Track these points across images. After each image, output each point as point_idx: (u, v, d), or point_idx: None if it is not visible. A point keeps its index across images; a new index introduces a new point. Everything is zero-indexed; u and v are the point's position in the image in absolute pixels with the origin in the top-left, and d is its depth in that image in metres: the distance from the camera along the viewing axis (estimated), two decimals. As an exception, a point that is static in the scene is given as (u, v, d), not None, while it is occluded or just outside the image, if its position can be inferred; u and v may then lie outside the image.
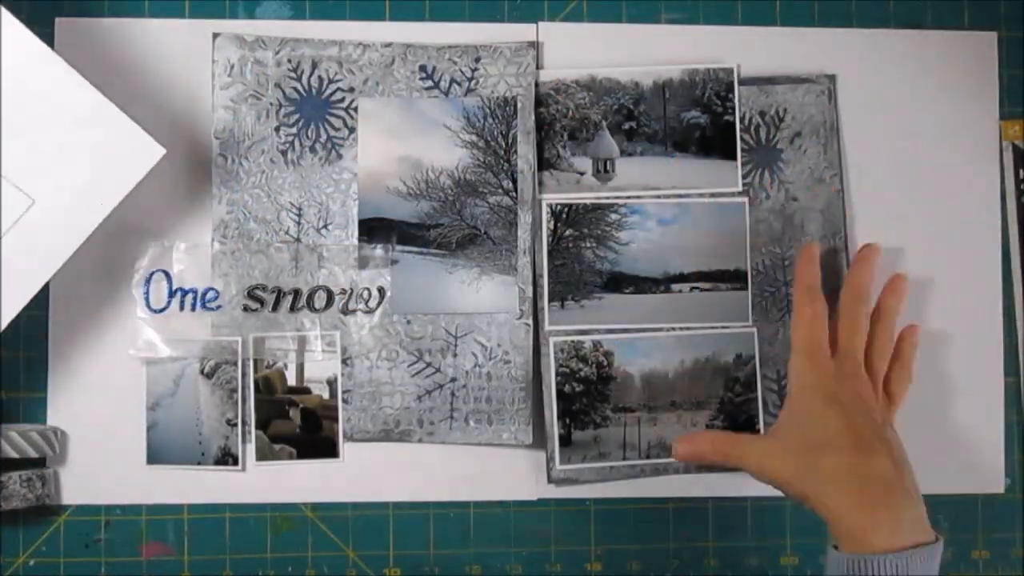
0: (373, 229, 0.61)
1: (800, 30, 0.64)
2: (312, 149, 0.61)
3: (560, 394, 0.61)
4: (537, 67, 0.62)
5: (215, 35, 0.60)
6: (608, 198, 0.62)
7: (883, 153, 0.64)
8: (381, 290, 0.60)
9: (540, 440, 0.61)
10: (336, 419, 0.60)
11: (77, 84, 0.50)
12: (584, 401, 0.61)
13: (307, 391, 0.60)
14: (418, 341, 0.61)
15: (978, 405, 0.64)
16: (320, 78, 0.61)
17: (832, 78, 0.63)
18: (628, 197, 0.62)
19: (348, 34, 0.61)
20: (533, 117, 0.61)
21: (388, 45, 0.61)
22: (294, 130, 0.61)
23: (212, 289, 0.60)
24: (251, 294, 0.60)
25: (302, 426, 0.60)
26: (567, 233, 0.62)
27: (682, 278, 0.62)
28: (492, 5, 0.63)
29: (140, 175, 0.52)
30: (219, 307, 0.60)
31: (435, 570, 0.61)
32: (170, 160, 0.60)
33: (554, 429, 0.61)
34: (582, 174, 0.62)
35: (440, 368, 0.61)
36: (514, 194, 0.61)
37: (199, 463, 0.60)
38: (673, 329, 0.62)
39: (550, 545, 0.62)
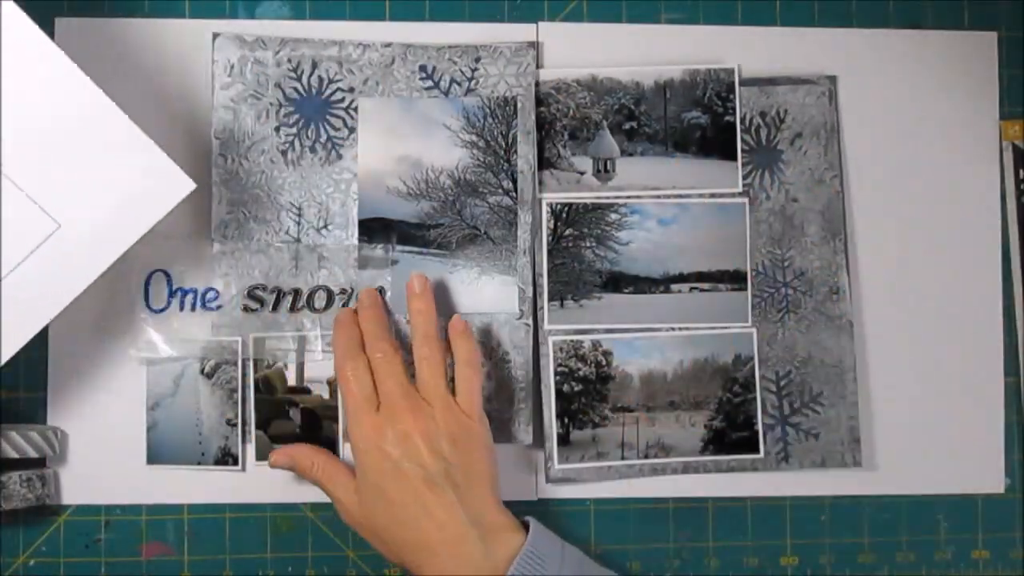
0: (373, 229, 0.61)
1: (800, 30, 0.64)
2: (312, 149, 0.61)
3: (559, 393, 0.61)
4: (537, 67, 0.62)
5: (215, 35, 0.60)
6: (608, 198, 0.62)
7: (883, 153, 0.64)
8: (381, 290, 0.60)
9: (540, 440, 0.61)
10: (336, 419, 0.60)
11: (112, 113, 0.50)
12: (583, 401, 0.61)
13: (307, 391, 0.60)
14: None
15: (978, 405, 0.64)
16: (320, 78, 0.61)
17: (833, 79, 0.63)
18: (628, 197, 0.62)
19: (348, 34, 0.61)
20: (533, 117, 0.61)
21: (388, 45, 0.61)
22: (294, 130, 0.61)
23: (212, 289, 0.60)
24: (251, 294, 0.60)
25: (302, 426, 0.60)
26: (567, 233, 0.62)
27: (682, 278, 0.62)
28: (492, 5, 0.63)
29: (168, 208, 0.51)
30: (219, 307, 0.60)
31: (435, 570, 0.61)
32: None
33: (552, 428, 0.61)
34: (582, 174, 0.62)
35: (440, 368, 0.61)
36: (514, 194, 0.61)
37: (199, 463, 0.60)
38: (672, 329, 0.62)
39: (550, 545, 0.62)
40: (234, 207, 0.60)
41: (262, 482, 0.60)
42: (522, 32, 0.62)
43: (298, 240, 0.60)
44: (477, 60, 0.61)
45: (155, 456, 0.60)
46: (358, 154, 0.61)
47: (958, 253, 0.64)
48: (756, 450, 0.62)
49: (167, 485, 0.60)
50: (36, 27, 0.49)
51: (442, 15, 0.62)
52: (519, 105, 0.61)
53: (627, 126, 0.62)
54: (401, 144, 0.61)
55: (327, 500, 0.60)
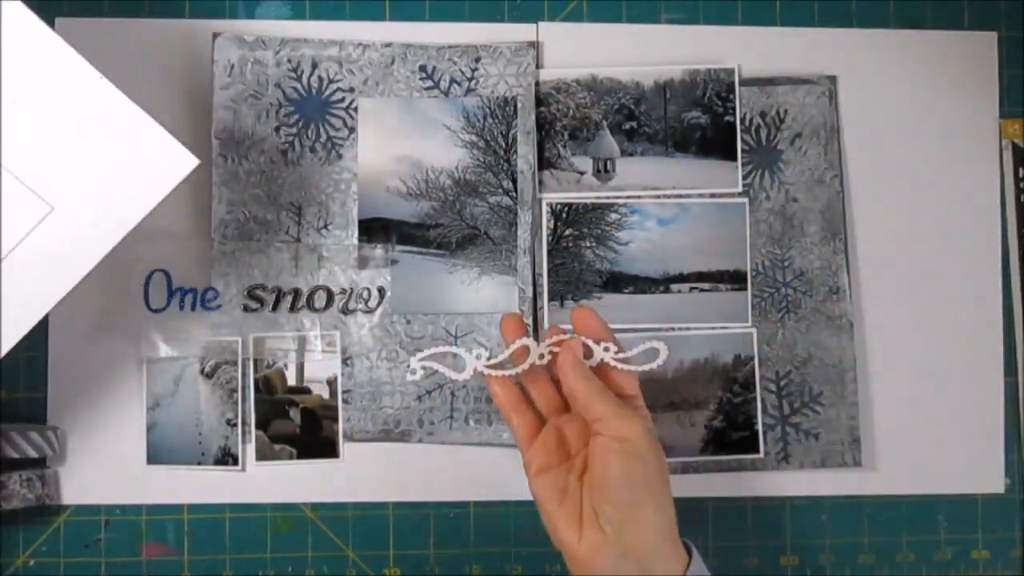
0: (373, 229, 0.61)
1: (800, 30, 0.64)
2: (312, 149, 0.61)
3: (560, 394, 0.61)
4: (537, 67, 0.62)
5: (215, 35, 0.60)
6: (608, 198, 0.62)
7: (883, 153, 0.64)
8: (381, 290, 0.60)
9: (540, 440, 0.61)
10: (336, 419, 0.60)
11: (110, 92, 0.49)
12: (584, 401, 0.61)
13: (307, 391, 0.60)
14: (418, 341, 0.61)
15: (978, 405, 0.64)
16: (320, 78, 0.61)
17: (833, 79, 0.63)
18: (628, 197, 0.62)
19: (348, 34, 0.61)
20: (533, 117, 0.61)
21: (388, 45, 0.61)
22: (294, 130, 0.61)
23: (212, 289, 0.60)
24: (251, 294, 0.60)
25: (302, 426, 0.60)
26: (567, 233, 0.62)
27: (682, 278, 0.62)
28: (492, 5, 0.63)
29: (171, 185, 0.50)
30: (219, 307, 0.60)
31: (435, 570, 0.61)
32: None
33: (554, 429, 0.61)
34: (582, 174, 0.62)
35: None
36: (514, 194, 0.61)
37: (199, 463, 0.60)
38: (672, 329, 0.62)
39: (550, 545, 0.62)
40: (234, 207, 0.60)
41: (262, 482, 0.60)
42: (522, 32, 0.62)
43: (298, 240, 0.60)
44: (477, 60, 0.61)
45: (155, 456, 0.60)
46: (358, 154, 0.61)
47: (958, 253, 0.64)
48: (756, 450, 0.62)
49: (167, 485, 0.60)
50: (28, 10, 0.48)
51: (442, 15, 0.62)
52: (519, 105, 0.61)
53: (627, 126, 0.62)
54: (401, 144, 0.61)
55: (327, 500, 0.61)
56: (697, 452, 0.62)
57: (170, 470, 0.60)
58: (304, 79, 0.61)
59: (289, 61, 0.60)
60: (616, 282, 0.62)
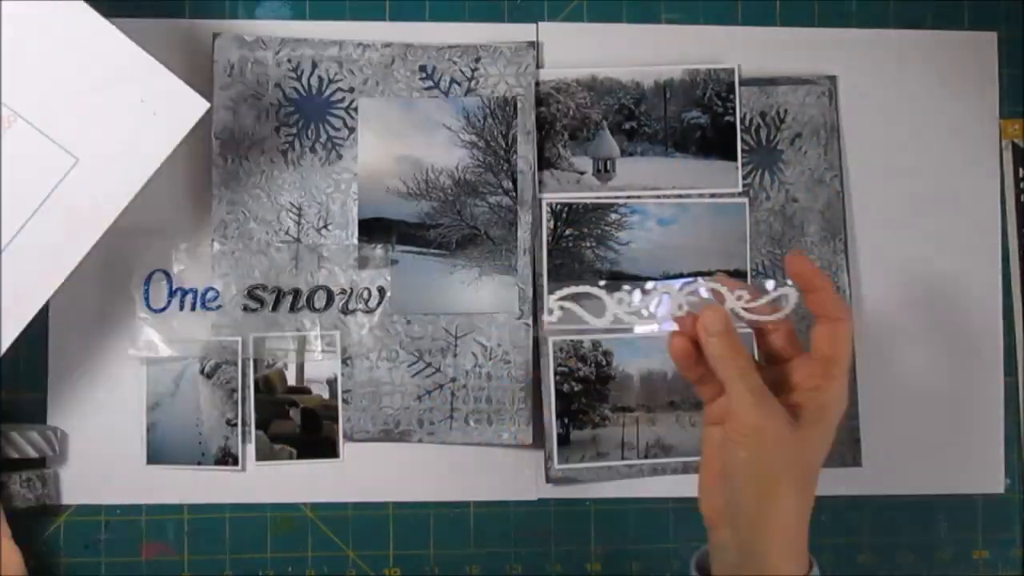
0: (373, 229, 0.61)
1: (800, 30, 0.64)
2: (312, 149, 0.61)
3: (559, 394, 0.61)
4: (537, 67, 0.62)
5: (215, 35, 0.60)
6: (608, 198, 0.62)
7: (883, 153, 0.64)
8: (381, 290, 0.60)
9: (540, 440, 0.61)
10: (336, 419, 0.60)
11: (116, 39, 0.49)
12: (583, 401, 0.61)
13: (307, 391, 0.60)
14: (418, 341, 0.61)
15: (978, 405, 0.64)
16: (320, 78, 0.61)
17: (833, 79, 0.63)
18: (628, 197, 0.62)
19: (348, 34, 0.61)
20: (533, 117, 0.61)
21: (388, 45, 0.61)
22: (294, 130, 0.61)
23: (212, 289, 0.60)
24: (251, 294, 0.60)
25: (302, 426, 0.60)
26: (567, 232, 0.62)
27: (681, 278, 0.62)
28: (492, 5, 0.63)
29: (185, 130, 0.50)
30: (219, 307, 0.60)
31: (435, 570, 0.61)
32: (170, 160, 0.60)
33: (552, 428, 0.61)
34: (582, 174, 0.62)
35: (440, 368, 0.61)
36: (514, 194, 0.61)
37: (199, 463, 0.60)
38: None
39: (550, 545, 0.62)
40: (234, 207, 0.60)
41: (262, 482, 0.60)
42: (522, 32, 0.62)
43: (298, 240, 0.60)
44: (477, 60, 0.61)
45: (155, 456, 0.60)
46: (358, 154, 0.61)
47: (958, 253, 0.64)
48: (756, 450, 0.62)
49: (167, 485, 0.60)
50: None
51: (442, 15, 0.62)
52: (519, 105, 0.61)
53: (627, 126, 0.62)
54: (401, 144, 0.61)
55: (327, 500, 0.61)
56: (697, 452, 0.61)
57: (170, 470, 0.60)
58: (304, 79, 0.61)
59: (289, 61, 0.60)
60: (616, 282, 0.62)
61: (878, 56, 0.64)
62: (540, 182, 0.62)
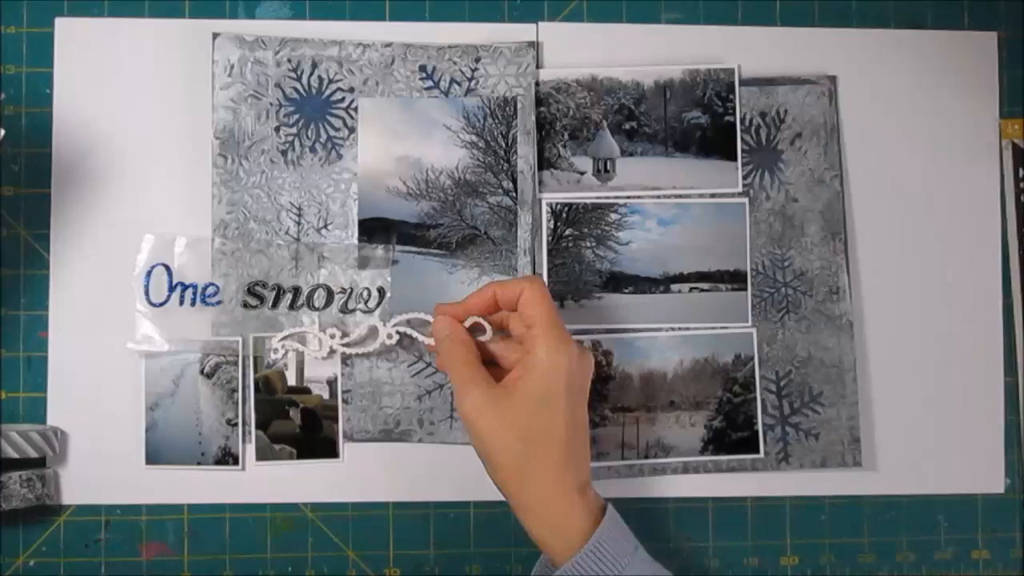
0: (373, 229, 0.61)
1: (800, 30, 0.64)
2: (312, 149, 0.61)
3: (560, 394, 0.61)
4: (537, 67, 0.62)
5: (215, 35, 0.60)
6: (608, 198, 0.62)
7: (883, 153, 0.64)
8: (381, 290, 0.60)
9: (540, 440, 0.61)
10: (336, 419, 0.60)
11: None
12: (584, 401, 0.61)
13: (307, 391, 0.60)
14: (418, 341, 0.60)
15: (978, 405, 0.64)
16: (320, 78, 0.61)
17: (833, 79, 0.63)
18: (628, 197, 0.62)
19: (348, 34, 0.61)
20: (533, 117, 0.61)
21: (388, 45, 0.61)
22: (294, 130, 0.61)
23: (212, 284, 0.60)
24: (251, 291, 0.60)
25: (302, 426, 0.60)
26: (567, 233, 0.62)
27: (682, 278, 0.62)
28: (492, 5, 0.63)
29: None
30: (219, 303, 0.60)
31: (435, 570, 0.61)
32: (170, 160, 0.60)
33: (554, 429, 0.61)
34: (582, 174, 0.62)
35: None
36: (514, 194, 0.61)
37: (199, 463, 0.60)
38: (672, 329, 0.62)
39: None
40: (234, 207, 0.60)
41: (262, 482, 0.60)
42: (522, 32, 0.62)
43: (298, 240, 0.60)
44: (477, 60, 0.61)
45: (155, 456, 0.60)
46: (358, 154, 0.61)
47: (958, 253, 0.64)
48: (756, 450, 0.62)
49: (167, 485, 0.60)
50: None
51: (442, 15, 0.62)
52: (519, 105, 0.61)
53: (627, 126, 0.62)
54: (401, 144, 0.61)
55: (327, 500, 0.61)
56: (697, 452, 0.62)
57: (170, 470, 0.60)
58: (304, 79, 0.61)
59: (289, 61, 0.60)
60: (616, 282, 0.62)
61: (878, 56, 0.64)
62: (540, 182, 0.62)
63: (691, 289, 0.62)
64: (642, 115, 0.62)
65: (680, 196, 0.62)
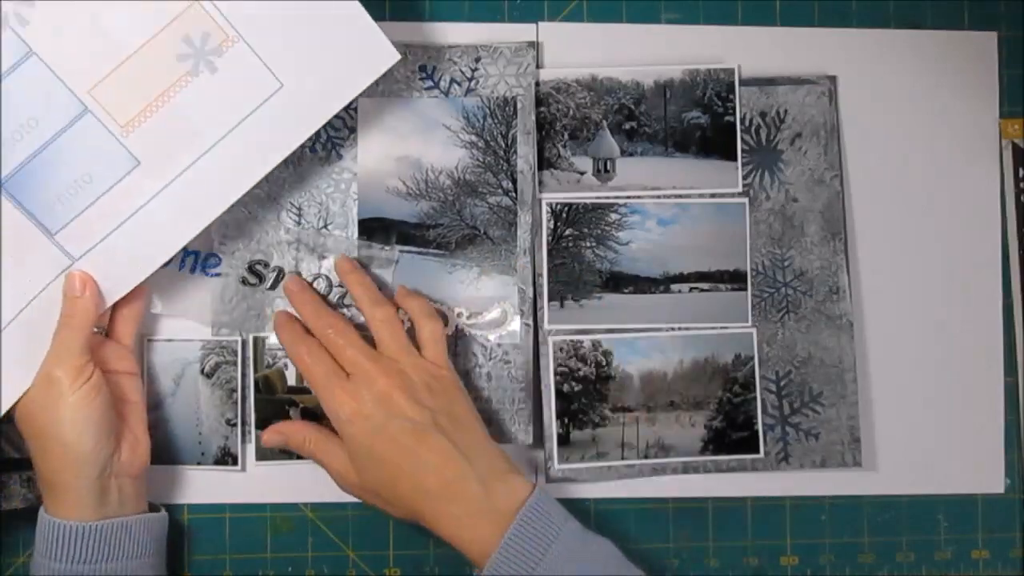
0: (373, 229, 0.61)
1: (800, 30, 0.64)
2: (312, 149, 0.61)
3: (559, 393, 0.61)
4: (537, 67, 0.62)
5: (215, 35, 0.60)
6: (608, 198, 0.62)
7: (883, 153, 0.64)
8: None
9: (540, 440, 0.61)
10: (336, 419, 0.60)
11: None
12: (583, 400, 0.61)
13: (307, 391, 0.60)
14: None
15: (978, 405, 0.64)
16: (320, 78, 0.61)
17: (833, 79, 0.63)
18: (628, 197, 0.62)
19: (348, 34, 0.61)
20: (533, 117, 0.61)
21: (388, 45, 0.61)
22: (294, 130, 0.60)
23: (215, 255, 0.60)
24: (251, 268, 0.60)
25: (302, 426, 0.60)
26: (567, 232, 0.62)
27: (682, 278, 0.62)
28: (492, 5, 0.63)
29: (375, 76, 0.54)
30: (218, 275, 0.60)
31: (435, 570, 0.61)
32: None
33: (552, 428, 0.61)
34: (582, 174, 0.62)
35: (440, 368, 0.61)
36: (514, 194, 0.61)
37: (199, 463, 0.60)
38: (672, 329, 0.62)
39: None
40: (234, 207, 0.60)
41: (262, 482, 0.60)
42: (522, 32, 0.62)
43: (298, 240, 0.60)
44: (477, 60, 0.61)
45: (155, 456, 0.59)
46: (358, 154, 0.61)
47: (958, 252, 0.64)
48: (756, 450, 0.62)
49: (167, 485, 0.60)
50: None
51: (442, 15, 0.62)
52: (519, 105, 0.61)
53: (627, 126, 0.62)
54: (401, 144, 0.61)
55: (327, 500, 0.61)
56: (697, 452, 0.62)
57: (170, 470, 0.60)
58: (304, 79, 0.60)
59: (289, 61, 0.60)
60: (616, 282, 0.62)
61: (878, 56, 0.64)
62: (540, 182, 0.62)
63: (691, 289, 0.62)
64: (642, 115, 0.62)
65: (680, 196, 0.62)
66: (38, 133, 0.52)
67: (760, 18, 0.64)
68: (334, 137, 0.61)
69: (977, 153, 0.64)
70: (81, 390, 0.51)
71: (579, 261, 0.62)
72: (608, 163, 0.62)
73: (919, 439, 0.63)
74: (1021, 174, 0.64)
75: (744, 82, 0.62)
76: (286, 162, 0.60)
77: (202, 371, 0.60)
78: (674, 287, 0.62)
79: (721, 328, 0.62)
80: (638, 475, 0.62)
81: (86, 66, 0.52)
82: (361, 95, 0.60)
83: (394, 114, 0.61)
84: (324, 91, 0.54)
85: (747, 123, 0.63)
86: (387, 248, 0.61)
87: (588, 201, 0.62)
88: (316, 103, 0.54)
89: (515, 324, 0.60)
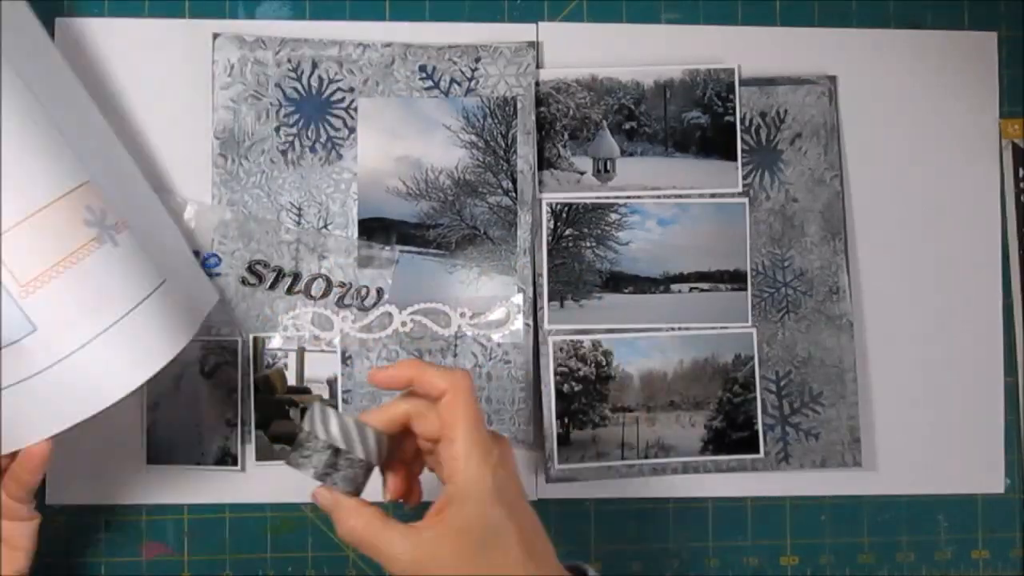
0: (373, 229, 0.61)
1: (800, 30, 0.64)
2: (312, 149, 0.61)
3: (559, 393, 0.61)
4: (537, 67, 0.62)
5: (215, 35, 0.60)
6: (608, 198, 0.62)
7: (883, 153, 0.64)
8: (380, 291, 0.60)
9: (540, 440, 0.61)
10: (336, 419, 0.60)
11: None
12: (583, 400, 0.61)
13: (307, 391, 0.60)
14: (418, 341, 0.61)
15: (978, 405, 0.64)
16: (320, 78, 0.61)
17: (833, 79, 0.63)
18: (628, 197, 0.62)
19: (348, 34, 0.61)
20: (533, 117, 0.61)
21: (388, 45, 0.61)
22: (294, 130, 0.61)
23: (215, 255, 0.60)
24: (251, 268, 0.60)
25: (302, 426, 0.60)
26: (567, 233, 0.62)
27: (682, 278, 0.62)
28: (492, 5, 0.63)
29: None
30: (219, 274, 0.60)
31: (435, 570, 0.61)
32: (170, 160, 0.60)
33: (552, 428, 0.61)
34: (582, 174, 0.62)
35: (440, 368, 0.60)
36: (514, 194, 0.61)
37: (199, 463, 0.60)
38: (672, 329, 0.62)
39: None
40: (234, 207, 0.60)
41: (262, 482, 0.60)
42: (522, 32, 0.62)
43: (298, 240, 0.60)
44: (477, 60, 0.61)
45: (155, 456, 0.60)
46: (358, 154, 0.61)
47: (958, 253, 0.64)
48: (756, 450, 0.62)
49: (167, 485, 0.60)
50: None
51: (442, 15, 0.62)
52: (519, 105, 0.61)
53: (627, 126, 0.62)
54: (401, 144, 0.61)
55: (327, 500, 0.60)
56: (697, 452, 0.62)
57: (170, 470, 0.60)
58: (304, 79, 0.61)
59: (289, 61, 0.60)
60: (616, 282, 0.62)
61: (878, 56, 0.64)
62: (540, 182, 0.62)
63: (691, 289, 0.62)
64: (642, 115, 0.62)
65: (680, 196, 0.62)
66: None
67: (760, 18, 0.64)
68: (334, 137, 0.61)
69: (977, 153, 0.64)
70: None
71: (579, 261, 0.62)
72: (608, 163, 0.62)
73: (919, 439, 0.63)
74: (1021, 174, 0.64)
75: (744, 82, 0.62)
76: (286, 162, 0.61)
77: (202, 371, 0.60)
78: (674, 287, 0.62)
79: (721, 328, 0.62)
80: (638, 475, 0.62)
81: None
82: (361, 95, 0.61)
83: (394, 114, 0.61)
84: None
85: (747, 123, 0.63)
86: (387, 248, 0.61)
87: (588, 201, 0.62)
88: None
89: (518, 324, 0.60)
